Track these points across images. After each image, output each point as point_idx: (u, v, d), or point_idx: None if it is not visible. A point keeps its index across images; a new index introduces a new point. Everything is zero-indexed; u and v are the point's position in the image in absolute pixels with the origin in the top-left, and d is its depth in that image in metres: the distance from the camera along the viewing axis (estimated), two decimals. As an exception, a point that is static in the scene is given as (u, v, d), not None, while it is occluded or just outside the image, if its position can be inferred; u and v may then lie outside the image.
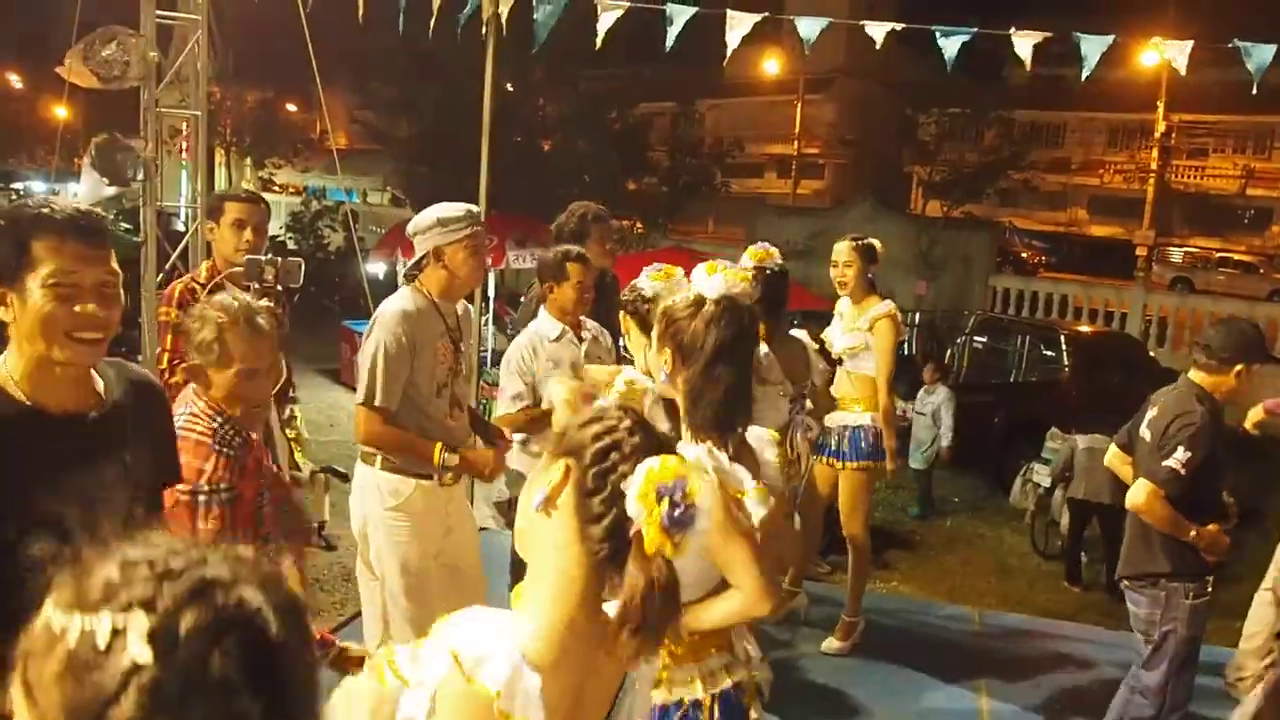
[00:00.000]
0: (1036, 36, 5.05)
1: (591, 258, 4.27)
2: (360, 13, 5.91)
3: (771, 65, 33.62)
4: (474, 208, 3.67)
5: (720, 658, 2.41)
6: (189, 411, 2.51)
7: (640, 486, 1.40)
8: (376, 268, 15.20)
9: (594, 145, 21.15)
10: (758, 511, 2.18)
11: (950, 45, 5.22)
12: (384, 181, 29.49)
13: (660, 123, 26.36)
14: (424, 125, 21.29)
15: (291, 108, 33.02)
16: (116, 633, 0.81)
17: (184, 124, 6.35)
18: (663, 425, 2.28)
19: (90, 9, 5.58)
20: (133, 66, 5.19)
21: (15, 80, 43.05)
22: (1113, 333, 15.73)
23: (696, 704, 2.36)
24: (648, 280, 3.31)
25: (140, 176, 5.34)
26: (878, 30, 5.40)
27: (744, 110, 37.86)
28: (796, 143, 36.38)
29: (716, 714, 2.37)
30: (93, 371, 2.01)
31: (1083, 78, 5.11)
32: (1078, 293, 19.01)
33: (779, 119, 37.50)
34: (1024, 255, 28.26)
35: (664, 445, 1.51)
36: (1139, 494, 3.70)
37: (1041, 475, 8.63)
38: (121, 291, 1.96)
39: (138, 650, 0.80)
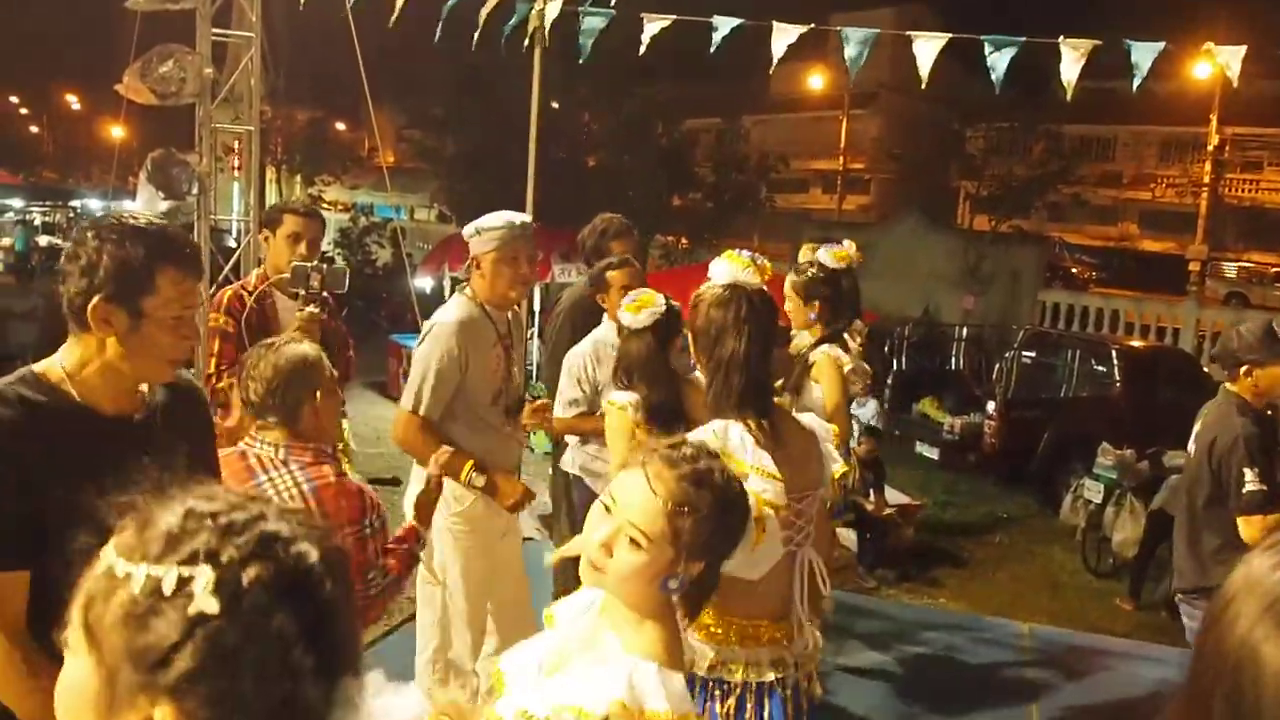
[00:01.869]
0: (1086, 45, 5.00)
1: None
2: (393, 18, 6.00)
3: (816, 81, 33.55)
4: (518, 218, 3.68)
5: (770, 650, 2.41)
6: (302, 463, 2.49)
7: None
8: (424, 283, 15.33)
9: (639, 161, 21.23)
10: (757, 488, 2.15)
11: (999, 60, 5.17)
12: (431, 198, 29.78)
13: (705, 139, 26.38)
14: (470, 142, 21.48)
15: (340, 126, 33.55)
16: (182, 582, 0.84)
17: (237, 140, 6.46)
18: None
19: (148, 28, 5.70)
20: (189, 83, 5.29)
21: (74, 102, 44.24)
22: (1165, 348, 15.41)
23: (726, 687, 2.37)
24: None
25: (194, 191, 5.43)
26: (926, 45, 5.36)
27: (789, 126, 37.76)
28: (842, 158, 36.21)
29: (749, 706, 2.36)
30: None
31: (1134, 86, 5.05)
32: (1129, 308, 18.69)
33: (824, 134, 37.36)
34: (1074, 270, 27.84)
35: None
36: (1248, 531, 3.59)
37: (1093, 491, 8.47)
38: None
39: (205, 602, 0.83)
